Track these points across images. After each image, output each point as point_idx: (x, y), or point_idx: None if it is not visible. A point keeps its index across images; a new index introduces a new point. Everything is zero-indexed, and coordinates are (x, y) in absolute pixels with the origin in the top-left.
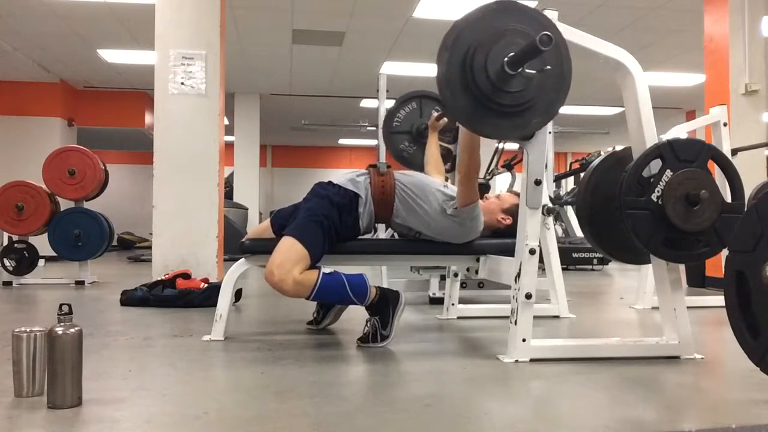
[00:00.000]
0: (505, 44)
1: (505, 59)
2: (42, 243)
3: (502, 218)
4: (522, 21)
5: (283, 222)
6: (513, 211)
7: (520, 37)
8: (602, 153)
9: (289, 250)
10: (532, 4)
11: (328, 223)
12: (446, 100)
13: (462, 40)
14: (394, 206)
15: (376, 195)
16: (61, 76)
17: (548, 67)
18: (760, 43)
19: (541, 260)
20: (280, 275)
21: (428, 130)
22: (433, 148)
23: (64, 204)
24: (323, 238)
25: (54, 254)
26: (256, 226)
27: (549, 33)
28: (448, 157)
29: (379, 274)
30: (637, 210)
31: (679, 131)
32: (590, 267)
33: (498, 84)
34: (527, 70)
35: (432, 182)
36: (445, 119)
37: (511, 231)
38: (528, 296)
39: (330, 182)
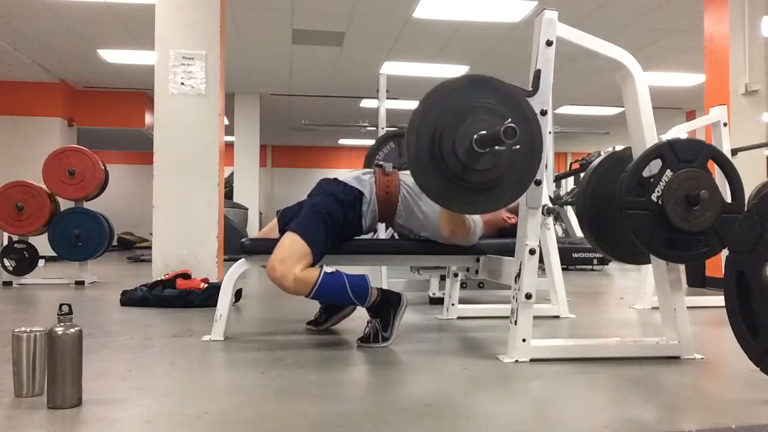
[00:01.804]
0: (472, 122)
1: (474, 137)
2: (42, 243)
3: (508, 217)
4: (489, 96)
5: (289, 221)
6: (517, 210)
7: (487, 114)
8: (602, 153)
9: (292, 246)
10: (532, 5)
11: (332, 220)
12: (418, 180)
13: (428, 121)
14: (398, 207)
15: (381, 194)
16: (61, 76)
17: (517, 147)
18: (760, 43)
19: (541, 260)
20: (282, 271)
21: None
22: None
23: (64, 204)
24: (326, 235)
25: (54, 254)
26: (264, 227)
27: (513, 126)
28: None
29: (379, 274)
30: (637, 210)
31: (679, 131)
32: (590, 267)
33: (467, 162)
34: (497, 147)
35: None
36: None
37: (516, 230)
38: (528, 296)
39: (335, 179)
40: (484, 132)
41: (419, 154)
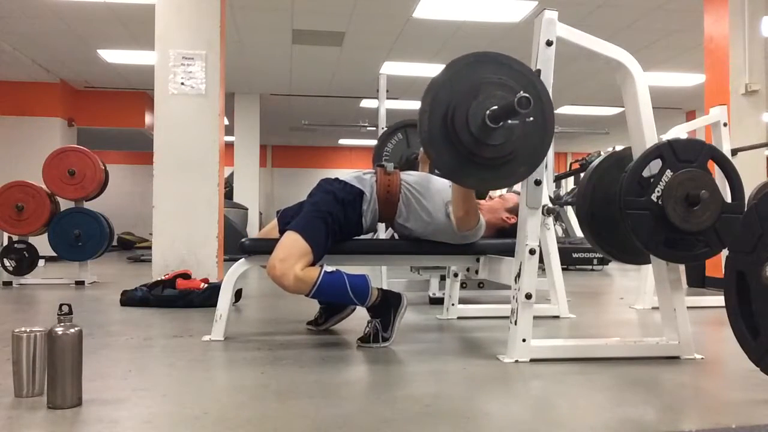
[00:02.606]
0: (484, 98)
1: (487, 113)
2: (42, 243)
3: (507, 217)
4: (499, 71)
5: (290, 222)
6: (517, 211)
7: (499, 89)
8: (602, 153)
9: (292, 245)
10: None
11: (332, 219)
12: (432, 158)
13: (439, 100)
14: (398, 206)
15: (382, 194)
16: (61, 76)
17: (531, 118)
18: (760, 43)
19: (541, 260)
20: (282, 270)
21: (418, 161)
22: None
23: (64, 204)
24: (326, 234)
25: (54, 254)
26: (264, 227)
27: (527, 96)
28: None
29: (379, 275)
30: (637, 210)
31: (679, 131)
32: (590, 267)
33: (480, 138)
34: (509, 121)
35: (437, 182)
36: None
37: (516, 230)
38: (528, 296)
39: (336, 178)
40: (496, 107)
41: (432, 133)
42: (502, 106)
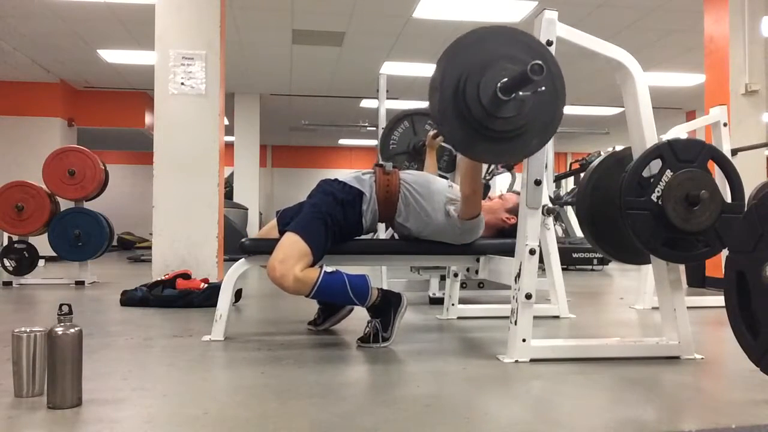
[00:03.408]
0: (495, 71)
1: (498, 85)
2: (42, 243)
3: (507, 218)
4: (511, 45)
5: (290, 222)
6: (517, 211)
7: (510, 62)
8: (602, 153)
9: (292, 246)
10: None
11: (332, 220)
12: (444, 133)
13: (450, 74)
14: (398, 206)
15: (381, 194)
16: (61, 76)
17: (542, 88)
18: (760, 43)
19: (541, 260)
20: (282, 271)
21: (425, 147)
22: (431, 167)
23: (64, 204)
24: (326, 235)
25: (54, 254)
26: (263, 227)
27: (540, 62)
28: (453, 162)
29: (379, 275)
30: (637, 210)
31: (679, 131)
32: (590, 267)
33: (492, 111)
34: (521, 93)
35: (437, 182)
36: (442, 137)
37: (515, 231)
38: (528, 296)
39: (336, 179)
40: (507, 79)
41: (444, 108)
42: (513, 76)
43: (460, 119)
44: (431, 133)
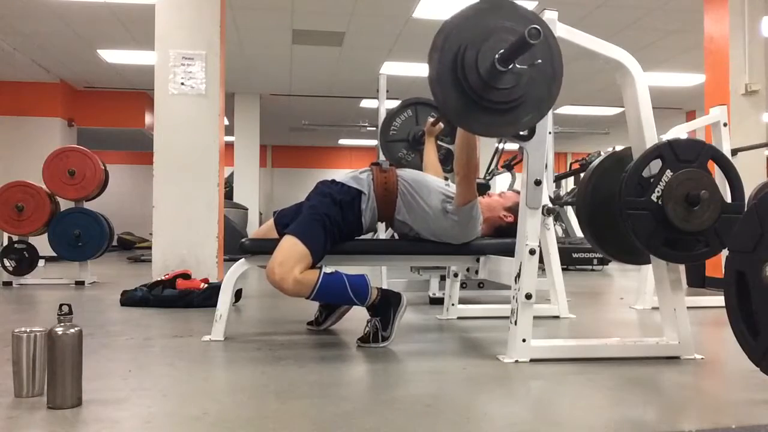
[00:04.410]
0: (495, 42)
1: (496, 56)
2: (42, 243)
3: (505, 215)
4: (511, 18)
5: (287, 222)
6: (516, 209)
7: (509, 34)
8: (602, 153)
9: (291, 249)
10: (532, 5)
11: (330, 221)
12: (438, 99)
13: (452, 40)
14: (397, 203)
15: (379, 191)
16: (61, 76)
17: (539, 60)
18: (760, 43)
19: (541, 260)
20: (281, 274)
21: (425, 136)
22: (431, 153)
23: (64, 204)
24: (325, 237)
25: (54, 254)
26: (260, 227)
27: (537, 26)
28: (449, 158)
29: (379, 275)
30: (637, 210)
31: (679, 131)
32: (590, 267)
33: (489, 81)
34: (518, 66)
35: (433, 180)
36: (441, 124)
37: (513, 230)
38: (528, 296)
39: (333, 180)
40: (504, 50)
41: (441, 73)
42: (511, 43)
43: (456, 86)
44: (431, 120)
